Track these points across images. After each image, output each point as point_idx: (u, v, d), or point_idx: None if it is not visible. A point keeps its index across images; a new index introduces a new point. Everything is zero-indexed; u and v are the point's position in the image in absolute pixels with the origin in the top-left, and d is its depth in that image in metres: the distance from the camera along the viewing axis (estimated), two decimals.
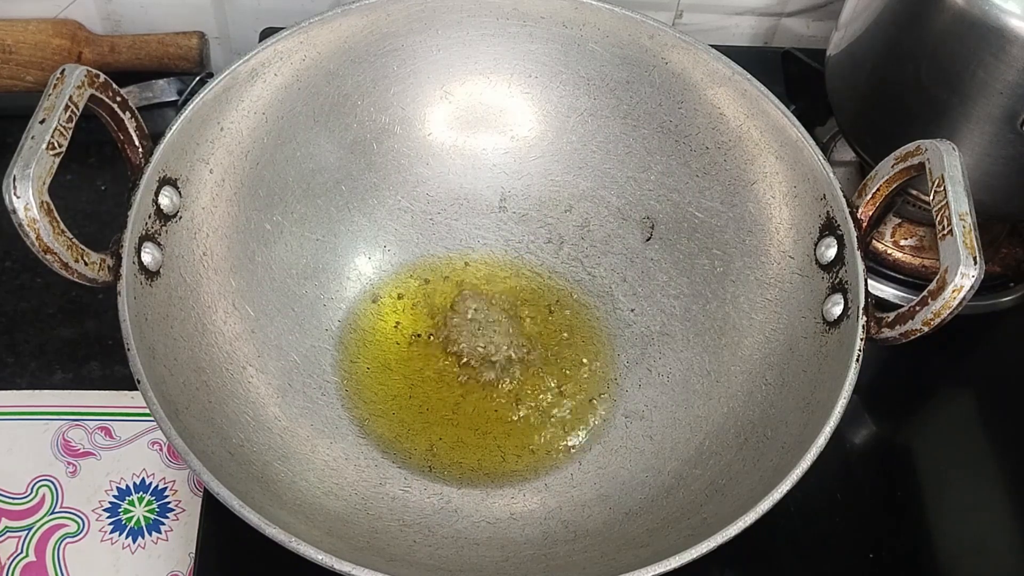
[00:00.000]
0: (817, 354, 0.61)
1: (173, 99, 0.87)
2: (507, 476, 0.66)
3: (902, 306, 0.56)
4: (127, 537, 0.68)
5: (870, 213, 0.61)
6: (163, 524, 0.69)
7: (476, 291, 0.74)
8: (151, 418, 0.54)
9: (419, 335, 0.72)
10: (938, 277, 0.54)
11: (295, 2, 0.87)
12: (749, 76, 0.67)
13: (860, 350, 0.56)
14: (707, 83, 0.69)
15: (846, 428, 0.72)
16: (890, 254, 0.79)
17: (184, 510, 0.69)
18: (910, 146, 0.59)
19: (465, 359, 0.70)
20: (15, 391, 0.73)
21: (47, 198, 0.52)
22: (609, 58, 0.71)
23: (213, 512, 0.65)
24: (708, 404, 0.66)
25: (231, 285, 0.66)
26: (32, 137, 0.52)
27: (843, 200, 0.61)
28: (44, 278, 0.77)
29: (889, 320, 0.57)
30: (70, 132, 0.54)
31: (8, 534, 0.68)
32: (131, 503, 0.70)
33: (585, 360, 0.71)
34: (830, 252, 0.62)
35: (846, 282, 0.60)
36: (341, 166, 0.72)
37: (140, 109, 0.61)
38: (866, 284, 0.58)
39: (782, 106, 0.65)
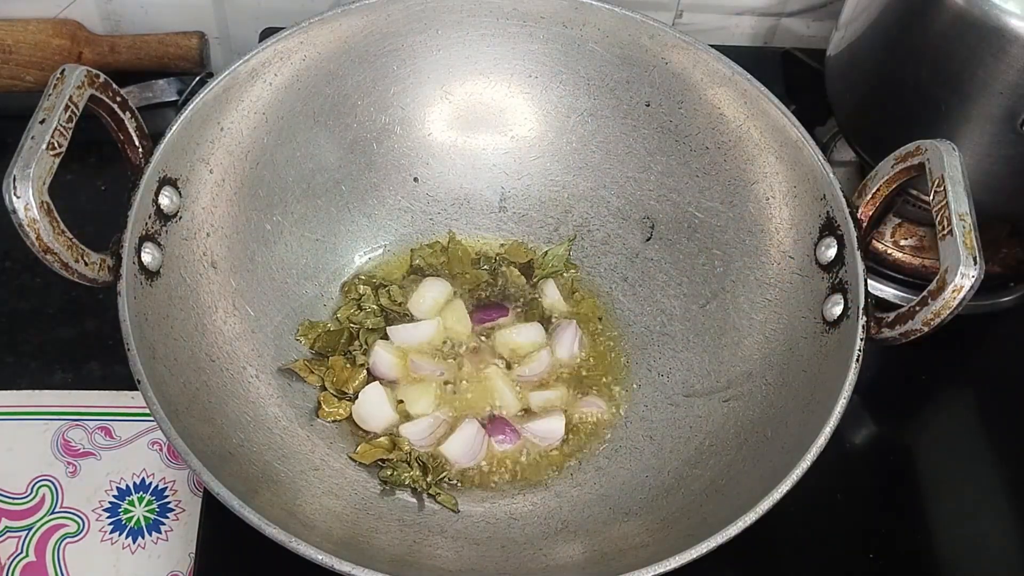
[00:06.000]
0: (817, 354, 0.61)
1: (173, 99, 0.87)
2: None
3: (902, 306, 0.56)
4: (127, 537, 0.68)
5: (870, 213, 0.61)
6: (163, 524, 0.69)
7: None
8: (151, 418, 0.54)
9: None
10: (938, 277, 0.54)
11: (295, 2, 0.87)
12: (749, 76, 0.67)
13: (860, 350, 0.56)
14: (707, 83, 0.69)
15: (846, 428, 0.72)
16: (890, 254, 0.79)
17: (184, 510, 0.69)
18: (910, 146, 0.59)
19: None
20: (15, 391, 0.73)
21: (47, 198, 0.52)
22: (609, 58, 0.71)
23: (213, 512, 0.65)
24: (708, 404, 0.66)
25: (231, 285, 0.66)
26: (32, 137, 0.53)
27: (843, 200, 0.61)
28: (44, 278, 0.77)
29: (889, 320, 0.57)
30: (70, 132, 0.54)
31: (8, 534, 0.68)
32: (131, 503, 0.70)
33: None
34: (830, 252, 0.62)
35: (846, 282, 0.60)
36: (341, 166, 0.72)
37: (140, 109, 0.61)
38: (866, 284, 0.59)
39: (782, 106, 0.65)
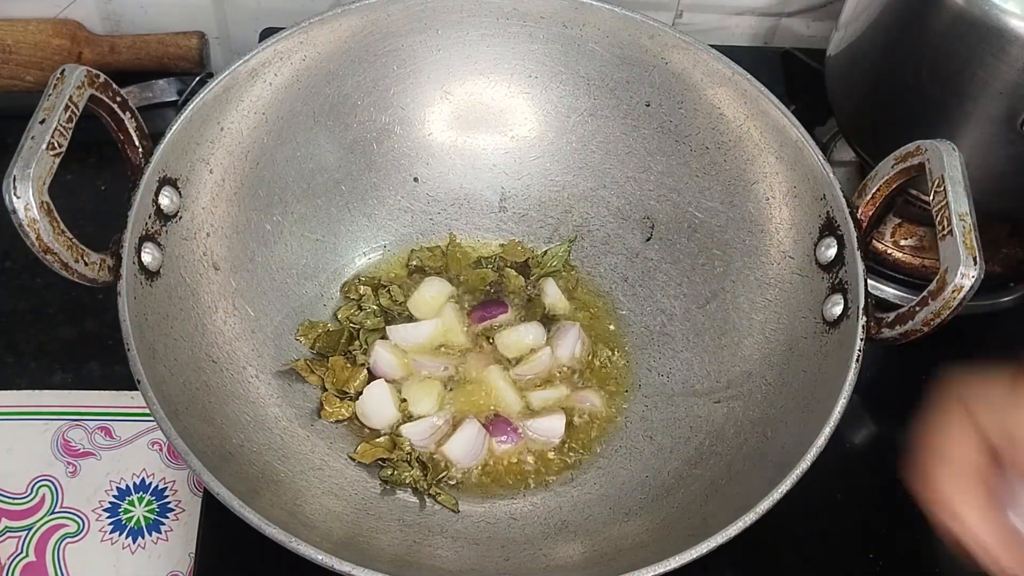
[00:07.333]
0: (817, 354, 0.61)
1: (173, 99, 0.87)
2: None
3: (902, 306, 0.56)
4: (127, 537, 0.68)
5: (870, 213, 0.61)
6: (163, 524, 0.69)
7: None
8: (151, 418, 0.54)
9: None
10: (938, 277, 0.54)
11: (295, 2, 0.87)
12: (749, 76, 0.67)
13: (860, 350, 0.56)
14: (707, 83, 0.69)
15: (846, 428, 0.71)
16: (890, 254, 0.79)
17: (184, 510, 0.69)
18: (910, 146, 0.59)
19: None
20: (15, 391, 0.73)
21: (47, 198, 0.52)
22: (609, 58, 0.71)
23: (213, 512, 0.65)
24: (708, 404, 0.66)
25: (231, 285, 0.66)
26: (32, 137, 0.52)
27: (843, 200, 0.61)
28: (44, 278, 0.77)
29: (889, 320, 0.57)
30: (70, 132, 0.54)
31: (8, 534, 0.68)
32: (131, 503, 0.70)
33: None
34: (830, 252, 0.62)
35: (846, 282, 0.60)
36: (341, 166, 0.72)
37: (140, 109, 0.61)
38: (866, 284, 0.59)
39: (782, 106, 0.65)
